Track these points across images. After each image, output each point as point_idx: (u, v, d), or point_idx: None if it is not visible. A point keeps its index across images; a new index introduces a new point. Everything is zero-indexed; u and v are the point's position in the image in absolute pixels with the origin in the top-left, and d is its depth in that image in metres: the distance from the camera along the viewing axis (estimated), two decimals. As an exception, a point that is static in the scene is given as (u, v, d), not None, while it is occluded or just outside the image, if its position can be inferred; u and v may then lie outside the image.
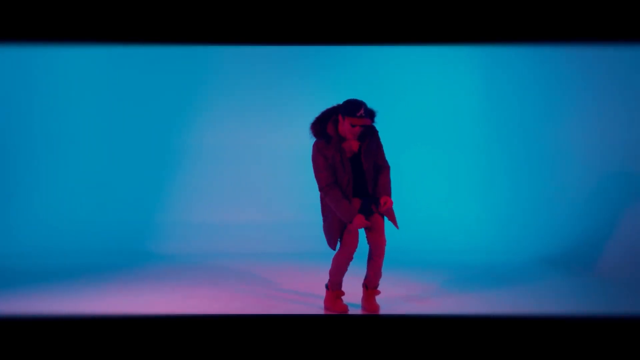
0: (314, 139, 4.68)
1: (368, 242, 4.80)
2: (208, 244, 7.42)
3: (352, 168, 4.63)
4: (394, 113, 8.18)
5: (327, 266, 5.57)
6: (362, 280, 4.98)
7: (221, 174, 8.07)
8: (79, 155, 7.88)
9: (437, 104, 8.28)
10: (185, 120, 8.12)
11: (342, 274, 4.80)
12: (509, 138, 7.91)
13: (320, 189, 4.64)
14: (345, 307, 4.82)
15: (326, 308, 4.88)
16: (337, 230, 4.66)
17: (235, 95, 8.13)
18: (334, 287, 4.85)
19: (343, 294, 4.88)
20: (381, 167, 4.79)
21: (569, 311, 4.83)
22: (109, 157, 7.96)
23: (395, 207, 7.79)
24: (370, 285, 4.86)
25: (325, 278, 5.06)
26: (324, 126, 4.60)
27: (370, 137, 4.69)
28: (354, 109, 4.47)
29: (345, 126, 4.55)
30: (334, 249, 4.73)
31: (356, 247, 4.67)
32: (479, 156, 8.17)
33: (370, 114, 4.65)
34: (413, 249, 7.23)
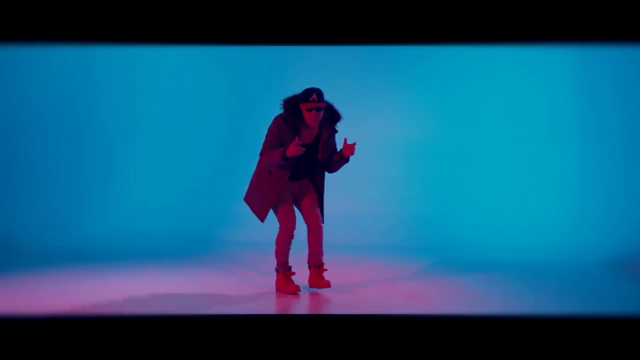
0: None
1: (305, 222, 5.08)
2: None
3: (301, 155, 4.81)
4: (484, 114, 8.25)
5: (386, 262, 6.39)
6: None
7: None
8: (160, 148, 8.43)
9: (525, 105, 8.17)
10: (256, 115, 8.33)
11: (287, 254, 5.03)
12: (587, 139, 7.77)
13: (260, 153, 4.90)
14: (297, 287, 5.02)
15: (278, 290, 5.10)
16: (268, 201, 4.90)
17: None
18: (283, 269, 5.06)
19: (293, 274, 5.08)
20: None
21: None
22: (187, 151, 8.47)
23: (478, 205, 7.82)
24: (314, 263, 5.09)
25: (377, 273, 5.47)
26: (296, 104, 4.85)
27: (330, 130, 4.97)
28: (307, 94, 4.82)
29: (305, 113, 4.83)
30: (263, 222, 5.04)
31: (293, 226, 4.93)
32: (560, 156, 7.97)
33: (332, 113, 4.96)
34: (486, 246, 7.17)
